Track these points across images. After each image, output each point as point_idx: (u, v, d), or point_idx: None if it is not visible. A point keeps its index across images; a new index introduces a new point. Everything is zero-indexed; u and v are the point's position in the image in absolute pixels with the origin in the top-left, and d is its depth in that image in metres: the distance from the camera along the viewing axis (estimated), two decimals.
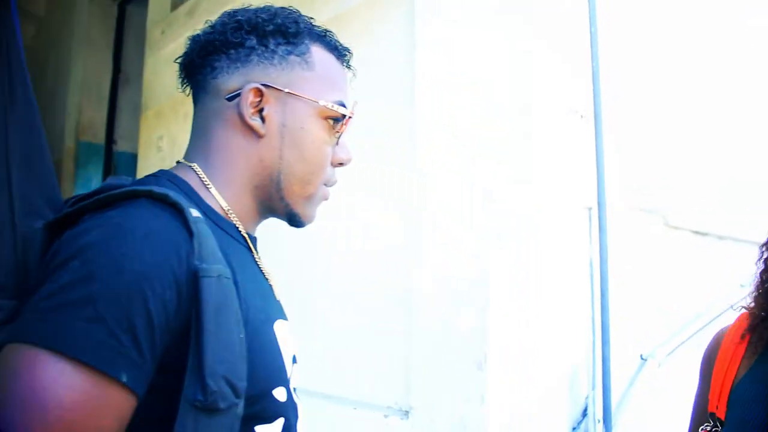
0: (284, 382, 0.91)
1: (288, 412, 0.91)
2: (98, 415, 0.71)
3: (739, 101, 3.00)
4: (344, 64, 1.05)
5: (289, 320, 1.01)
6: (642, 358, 2.56)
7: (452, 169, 2.23)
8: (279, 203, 0.99)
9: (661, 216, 2.67)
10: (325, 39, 1.01)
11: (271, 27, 0.97)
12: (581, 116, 2.37)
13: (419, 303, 2.24)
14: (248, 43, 0.96)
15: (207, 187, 0.94)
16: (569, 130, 2.37)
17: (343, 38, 2.99)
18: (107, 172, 5.04)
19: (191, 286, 0.77)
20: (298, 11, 1.02)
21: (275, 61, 0.96)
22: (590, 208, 2.34)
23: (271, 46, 0.96)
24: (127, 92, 5.23)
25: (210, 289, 0.77)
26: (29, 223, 0.83)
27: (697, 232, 2.88)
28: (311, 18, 1.02)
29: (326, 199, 1.03)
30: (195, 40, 1.00)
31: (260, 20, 0.96)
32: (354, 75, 1.08)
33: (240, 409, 0.78)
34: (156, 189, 0.82)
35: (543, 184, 2.26)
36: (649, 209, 2.63)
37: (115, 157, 5.09)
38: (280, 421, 0.89)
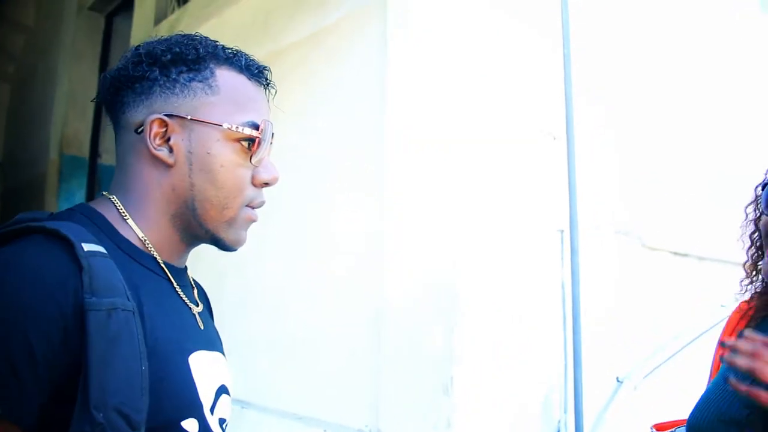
0: (196, 414, 0.91)
1: None
2: None
3: (716, 121, 3.00)
4: (261, 82, 1.04)
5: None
6: (618, 381, 2.55)
7: (422, 190, 2.22)
8: (200, 230, 0.99)
9: (637, 237, 2.66)
10: (233, 61, 1.01)
11: (169, 56, 0.97)
12: (554, 138, 2.37)
13: (388, 325, 2.22)
14: (150, 75, 0.96)
15: (124, 219, 0.95)
16: (541, 152, 2.36)
17: (318, 54, 2.98)
18: (91, 186, 5.00)
19: (79, 319, 0.78)
20: (204, 37, 1.02)
21: (177, 90, 0.97)
22: (562, 230, 2.33)
23: (173, 75, 0.97)
24: None
25: (97, 323, 0.78)
26: None
27: (676, 253, 2.87)
28: (216, 42, 1.01)
29: (254, 220, 1.02)
30: (105, 77, 1.01)
31: (159, 51, 0.97)
32: (274, 92, 1.07)
33: None
34: (48, 224, 0.83)
35: (514, 206, 2.25)
36: (625, 231, 2.62)
37: (99, 170, 5.05)
38: None
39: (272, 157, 1.02)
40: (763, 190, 1.21)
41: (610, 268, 2.54)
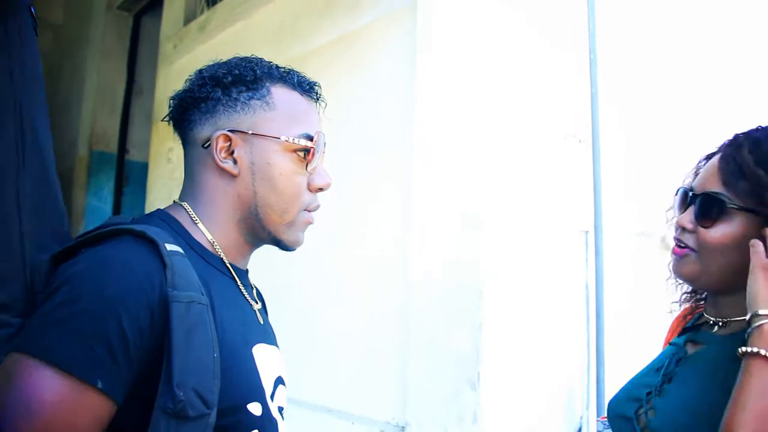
0: (260, 399, 1.01)
1: (264, 426, 1.01)
2: (75, 414, 0.84)
3: (736, 124, 3.02)
4: (312, 97, 1.15)
5: (280, 347, 1.12)
6: None
7: (449, 191, 2.27)
8: (263, 233, 1.10)
9: (659, 238, 2.70)
10: (286, 78, 1.12)
11: (230, 78, 1.09)
12: (579, 140, 2.42)
13: (415, 323, 2.28)
14: (214, 95, 1.08)
15: (195, 223, 1.07)
16: (567, 154, 2.41)
17: (346, 58, 3.04)
18: (119, 181, 5.11)
19: (163, 309, 0.89)
20: (260, 58, 1.14)
21: (238, 108, 1.08)
22: (587, 232, 2.38)
23: (234, 95, 1.08)
24: (140, 102, 5.30)
25: (179, 313, 0.89)
26: (38, 257, 0.96)
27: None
28: (271, 62, 1.13)
29: (310, 223, 1.13)
30: (173, 99, 1.13)
31: (221, 73, 1.09)
32: (325, 105, 1.17)
33: (212, 418, 0.90)
34: (136, 227, 0.94)
35: (540, 207, 2.30)
36: (647, 232, 2.66)
37: (127, 166, 5.15)
38: None
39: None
40: (676, 194, 1.29)
41: (633, 269, 2.59)
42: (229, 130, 1.07)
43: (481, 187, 2.22)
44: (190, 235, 1.06)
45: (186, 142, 1.13)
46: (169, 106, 1.15)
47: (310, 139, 1.09)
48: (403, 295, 2.34)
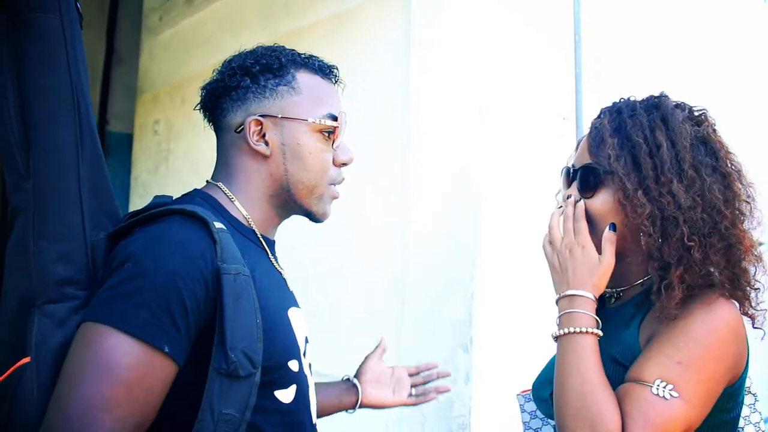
0: (296, 356, 1.14)
1: (300, 380, 1.15)
2: (147, 376, 0.95)
3: (721, 105, 3.16)
4: (332, 79, 1.27)
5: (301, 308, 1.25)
6: None
7: (445, 165, 2.38)
8: (295, 206, 1.23)
9: None
10: (308, 64, 1.24)
11: (258, 67, 1.20)
12: (564, 118, 2.54)
13: (411, 291, 2.40)
14: (243, 84, 1.19)
15: (232, 201, 1.19)
16: (552, 131, 2.53)
17: (340, 35, 3.09)
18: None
19: (215, 280, 1.00)
20: (282, 47, 1.24)
21: (267, 94, 1.19)
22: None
23: (262, 82, 1.20)
24: (120, 73, 5.27)
25: (229, 283, 1.00)
26: (95, 235, 1.07)
27: None
28: (293, 50, 1.24)
29: (336, 197, 1.27)
30: (204, 89, 1.24)
31: (249, 63, 1.20)
32: (343, 86, 1.30)
33: (257, 377, 1.02)
34: (187, 207, 1.06)
35: (529, 181, 2.43)
36: None
37: (108, 137, 5.14)
38: (293, 388, 1.12)
39: None
40: (561, 174, 1.39)
41: None
42: (260, 115, 1.18)
43: (474, 162, 2.33)
44: (227, 211, 1.17)
45: (218, 128, 1.24)
46: (201, 96, 1.26)
47: (335, 119, 1.22)
48: (399, 264, 2.46)
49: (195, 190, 1.22)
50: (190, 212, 1.05)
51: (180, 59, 4.01)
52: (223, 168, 1.23)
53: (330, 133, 1.22)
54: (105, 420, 0.91)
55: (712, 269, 1.18)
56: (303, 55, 1.25)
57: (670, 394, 1.09)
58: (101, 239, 1.07)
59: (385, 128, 2.63)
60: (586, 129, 2.51)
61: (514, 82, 2.45)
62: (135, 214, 1.12)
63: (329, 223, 2.75)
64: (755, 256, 1.24)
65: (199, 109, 1.27)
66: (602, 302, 1.35)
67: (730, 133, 3.26)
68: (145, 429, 0.97)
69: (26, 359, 0.97)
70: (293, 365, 1.13)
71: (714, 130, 1.29)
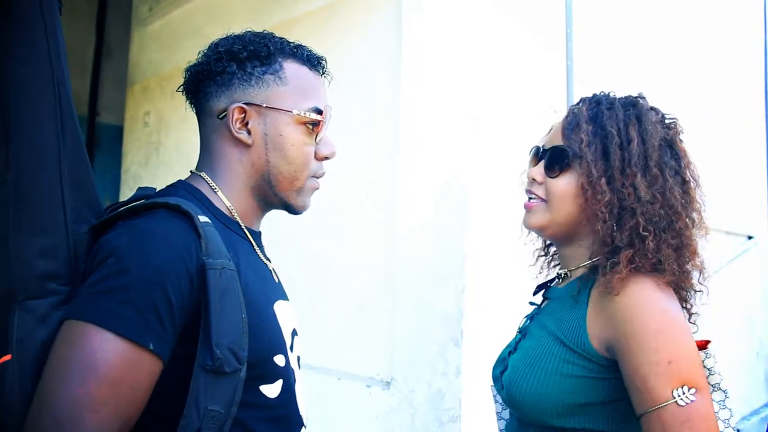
0: (282, 351, 1.12)
1: (287, 375, 1.13)
2: (133, 373, 0.93)
3: (703, 95, 3.18)
4: (319, 71, 1.24)
5: (290, 300, 1.23)
6: None
7: (435, 158, 2.38)
8: (274, 198, 1.20)
9: None
10: (296, 54, 1.21)
11: (245, 53, 1.16)
12: (555, 111, 2.54)
13: (402, 285, 2.40)
14: (229, 69, 1.16)
15: (215, 192, 1.17)
16: (543, 122, 2.53)
17: (331, 26, 3.07)
18: (90, 143, 5.05)
19: (200, 276, 0.98)
20: (272, 34, 1.20)
21: (253, 82, 1.16)
22: None
23: (248, 69, 1.16)
24: (110, 64, 5.23)
25: (214, 279, 0.98)
26: (78, 228, 1.04)
27: None
28: (282, 38, 1.21)
29: (317, 188, 1.24)
30: (188, 71, 1.21)
31: (236, 49, 1.17)
32: (330, 79, 1.26)
33: (243, 373, 1.00)
34: (171, 200, 1.04)
35: (517, 177, 2.42)
36: None
37: (98, 129, 5.11)
38: (279, 382, 1.10)
39: None
40: (529, 153, 1.43)
41: None
42: (244, 103, 1.15)
43: (464, 155, 2.33)
44: (211, 202, 1.15)
45: (201, 113, 1.21)
46: (184, 78, 1.22)
47: (320, 112, 1.19)
48: (390, 258, 2.46)
49: (179, 181, 1.19)
50: (174, 206, 1.03)
51: (170, 50, 3.99)
52: (206, 156, 1.21)
53: (314, 126, 1.19)
54: (92, 419, 0.89)
55: (662, 259, 1.23)
56: (292, 45, 1.22)
57: (692, 395, 1.11)
58: (83, 233, 1.04)
59: (375, 121, 2.63)
60: None
61: (506, 75, 2.45)
62: (116, 207, 1.09)
63: (320, 218, 2.76)
64: (699, 262, 1.30)
65: (182, 91, 1.23)
66: (549, 283, 1.45)
67: (718, 114, 3.27)
68: (131, 426, 0.95)
69: (7, 357, 0.95)
70: (279, 360, 1.11)
71: (681, 139, 1.34)
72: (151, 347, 0.94)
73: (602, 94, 1.38)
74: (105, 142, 5.05)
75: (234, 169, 1.17)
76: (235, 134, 1.15)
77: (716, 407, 1.33)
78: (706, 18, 3.27)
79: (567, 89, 2.51)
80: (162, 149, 3.97)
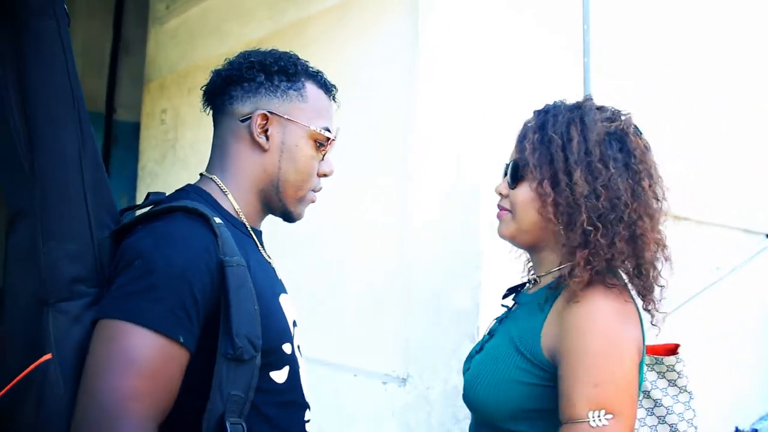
0: (289, 339, 1.23)
1: (293, 362, 1.23)
2: (168, 365, 1.02)
3: (719, 93, 3.16)
4: (331, 96, 1.36)
5: (290, 294, 1.33)
6: None
7: (450, 155, 2.38)
8: (278, 203, 1.31)
9: None
10: (317, 78, 1.34)
11: (276, 67, 1.28)
12: None
13: (417, 281, 2.41)
14: (258, 79, 1.27)
15: (225, 194, 1.26)
16: None
17: (346, 24, 3.08)
18: (107, 141, 5.10)
19: (219, 273, 1.07)
20: (296, 55, 1.32)
21: (278, 94, 1.27)
22: None
23: (275, 82, 1.28)
24: (127, 61, 5.27)
25: (232, 274, 1.07)
26: (101, 233, 1.12)
27: (677, 217, 3.05)
28: (306, 61, 1.33)
29: (313, 201, 1.36)
30: (218, 73, 1.30)
31: (268, 62, 1.28)
32: (338, 107, 1.39)
33: (258, 360, 1.09)
34: (189, 204, 1.12)
35: None
36: None
37: (115, 126, 5.15)
38: (286, 369, 1.20)
39: None
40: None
41: None
42: (268, 111, 1.25)
43: (479, 152, 2.33)
44: (220, 205, 1.24)
45: (221, 114, 1.30)
46: (211, 79, 1.32)
47: (330, 132, 1.31)
48: (405, 255, 2.46)
49: (188, 185, 1.28)
50: (191, 209, 1.11)
51: (187, 48, 4.02)
52: (218, 157, 1.30)
53: (321, 145, 1.31)
54: (135, 408, 0.97)
55: (616, 254, 1.27)
56: (312, 69, 1.34)
57: (606, 419, 1.16)
58: (106, 237, 1.12)
59: (389, 116, 2.63)
60: None
61: (523, 72, 2.44)
62: (128, 211, 1.19)
63: (335, 216, 2.77)
64: (661, 250, 1.33)
65: (204, 90, 1.32)
66: (521, 287, 1.51)
67: (726, 108, 3.23)
68: (167, 414, 1.04)
69: (47, 356, 1.02)
70: (287, 348, 1.21)
71: (635, 132, 1.37)
72: (181, 340, 1.03)
73: (553, 103, 1.44)
74: (122, 139, 5.09)
75: (246, 171, 1.27)
76: (256, 137, 1.25)
77: (681, 408, 1.43)
78: (729, 8, 3.24)
79: (584, 87, 2.49)
80: (178, 146, 4.00)
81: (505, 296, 1.57)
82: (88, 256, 1.08)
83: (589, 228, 1.27)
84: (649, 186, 1.33)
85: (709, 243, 3.07)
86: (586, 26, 2.51)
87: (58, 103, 1.07)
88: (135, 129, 4.78)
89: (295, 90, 1.28)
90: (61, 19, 1.09)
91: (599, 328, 1.21)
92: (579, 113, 1.36)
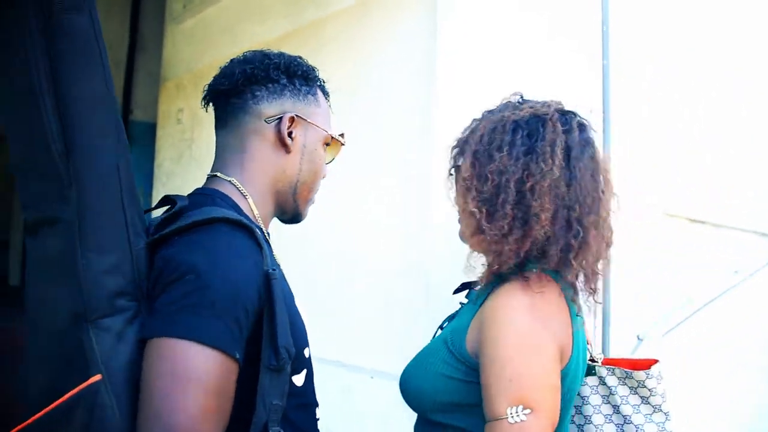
0: (307, 344, 1.24)
1: (310, 365, 1.24)
2: (227, 380, 1.00)
3: (736, 95, 3.13)
4: (328, 104, 1.40)
5: (303, 295, 1.35)
6: (638, 338, 2.74)
7: None
8: (291, 205, 1.32)
9: (659, 204, 2.82)
10: (322, 86, 1.37)
11: (299, 71, 1.30)
12: (590, 111, 2.51)
13: (434, 281, 2.40)
14: (282, 81, 1.28)
15: (245, 198, 1.25)
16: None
17: (364, 25, 3.07)
18: None
19: (265, 286, 1.06)
20: (308, 63, 1.35)
21: (300, 97, 1.29)
22: None
23: (297, 86, 1.29)
24: (144, 60, 5.30)
25: (277, 287, 1.06)
26: (137, 244, 1.07)
27: (694, 220, 3.03)
28: (315, 68, 1.36)
29: (313, 203, 1.38)
30: (241, 72, 1.27)
31: (293, 66, 1.29)
32: (333, 113, 1.42)
33: (290, 367, 1.09)
34: (230, 216, 1.09)
35: None
36: (648, 198, 2.78)
37: (132, 126, 5.17)
38: (304, 372, 1.21)
39: None
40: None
41: (635, 234, 2.70)
42: (296, 115, 1.27)
43: None
44: (241, 209, 1.22)
45: (242, 112, 1.27)
46: (235, 76, 1.27)
47: (343, 138, 1.36)
48: (422, 255, 2.45)
49: (207, 188, 1.25)
50: (235, 220, 1.09)
51: (203, 47, 4.02)
52: (236, 156, 1.26)
53: (326, 148, 1.35)
54: (207, 429, 0.96)
55: (510, 239, 1.30)
56: (318, 74, 1.37)
57: (524, 414, 1.15)
58: (142, 248, 1.07)
59: (408, 114, 2.62)
60: (613, 121, 2.52)
61: (542, 72, 2.43)
62: (165, 222, 1.12)
63: (350, 216, 2.76)
64: (561, 228, 1.31)
65: (220, 88, 1.28)
66: (474, 285, 1.54)
67: (743, 111, 3.19)
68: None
69: (97, 377, 0.97)
70: (306, 352, 1.22)
71: (553, 119, 1.39)
72: (237, 356, 1.02)
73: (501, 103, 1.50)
74: (138, 139, 5.10)
75: (267, 172, 1.27)
76: (284, 139, 1.26)
77: (654, 428, 1.40)
78: (752, 8, 3.21)
79: (603, 89, 2.48)
80: (194, 146, 4.01)
81: (455, 292, 1.61)
82: (126, 267, 1.03)
83: (474, 209, 1.33)
84: (546, 165, 1.31)
85: (727, 246, 3.04)
86: (605, 28, 2.50)
87: (94, 105, 1.01)
88: (151, 128, 4.79)
89: (312, 95, 1.31)
90: (94, 14, 1.02)
91: (513, 321, 1.22)
92: (494, 110, 1.46)
